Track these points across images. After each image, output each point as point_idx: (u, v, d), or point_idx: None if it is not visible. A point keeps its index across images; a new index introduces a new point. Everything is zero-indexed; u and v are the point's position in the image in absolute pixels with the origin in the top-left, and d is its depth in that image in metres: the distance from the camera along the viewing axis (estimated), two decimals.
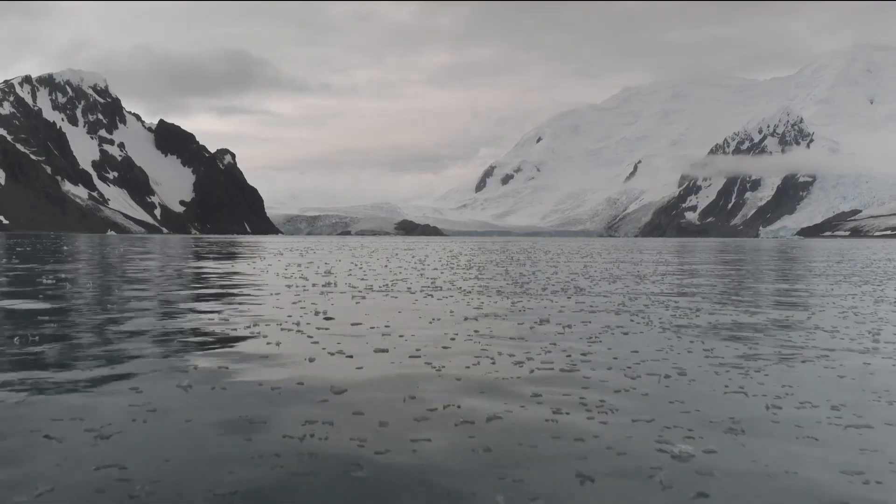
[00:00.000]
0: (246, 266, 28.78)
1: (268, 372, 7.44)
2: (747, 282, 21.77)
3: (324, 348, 8.82)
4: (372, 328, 10.87)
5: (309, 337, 9.73)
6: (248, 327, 10.77)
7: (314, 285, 18.74)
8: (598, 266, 30.97)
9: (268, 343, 9.26)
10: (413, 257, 36.33)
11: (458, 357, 8.36)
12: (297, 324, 11.19)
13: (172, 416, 5.71)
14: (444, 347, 9.01)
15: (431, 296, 15.86)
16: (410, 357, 8.30)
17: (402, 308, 13.54)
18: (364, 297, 15.39)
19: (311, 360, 8.05)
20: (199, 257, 38.62)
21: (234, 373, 7.41)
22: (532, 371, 7.57)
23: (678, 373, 7.58)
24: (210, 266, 28.86)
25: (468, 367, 7.71)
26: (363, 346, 8.98)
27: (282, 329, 10.68)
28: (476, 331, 10.43)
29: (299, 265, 26.77)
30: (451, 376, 7.26)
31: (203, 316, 12.07)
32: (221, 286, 18.56)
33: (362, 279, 21.10)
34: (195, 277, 21.99)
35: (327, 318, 11.87)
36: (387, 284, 18.99)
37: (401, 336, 9.88)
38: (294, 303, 14.28)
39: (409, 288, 17.90)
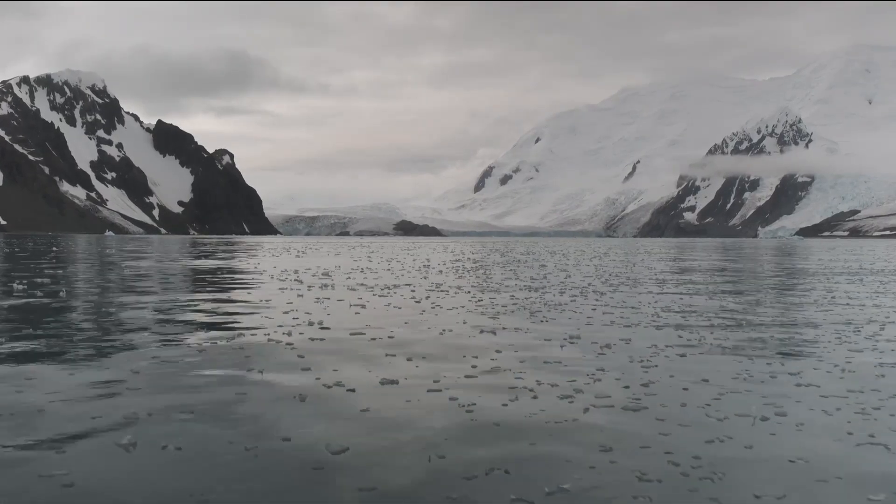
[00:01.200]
0: (238, 265, 27.24)
1: (239, 425, 5.56)
2: (788, 283, 20.25)
3: (318, 378, 7.18)
4: (374, 340, 9.36)
5: (300, 357, 8.17)
6: (229, 341, 9.22)
7: (310, 289, 17.22)
8: (609, 268, 29.45)
9: (248, 370, 7.58)
10: (415, 260, 34.76)
11: (488, 390, 6.74)
12: (289, 334, 9.66)
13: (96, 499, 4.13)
14: (468, 376, 7.37)
15: (439, 305, 14.32)
16: (429, 391, 6.66)
17: (407, 318, 12.00)
18: (364, 306, 13.88)
19: (302, 398, 6.35)
20: (190, 258, 37.05)
21: (189, 428, 5.41)
22: (587, 410, 5.97)
23: (777, 412, 5.97)
24: (200, 268, 27.27)
25: (505, 406, 6.11)
26: (366, 375, 7.37)
27: (269, 341, 9.16)
28: (498, 350, 8.88)
29: (296, 270, 25.24)
30: (488, 421, 5.64)
31: (178, 330, 10.47)
32: (208, 291, 17.00)
33: (362, 283, 19.59)
34: (182, 282, 20.42)
35: (323, 328, 10.33)
36: (388, 289, 17.45)
37: (409, 360, 8.23)
38: (286, 311, 12.75)
39: (414, 294, 16.40)
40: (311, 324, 10.94)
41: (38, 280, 19.45)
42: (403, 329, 10.62)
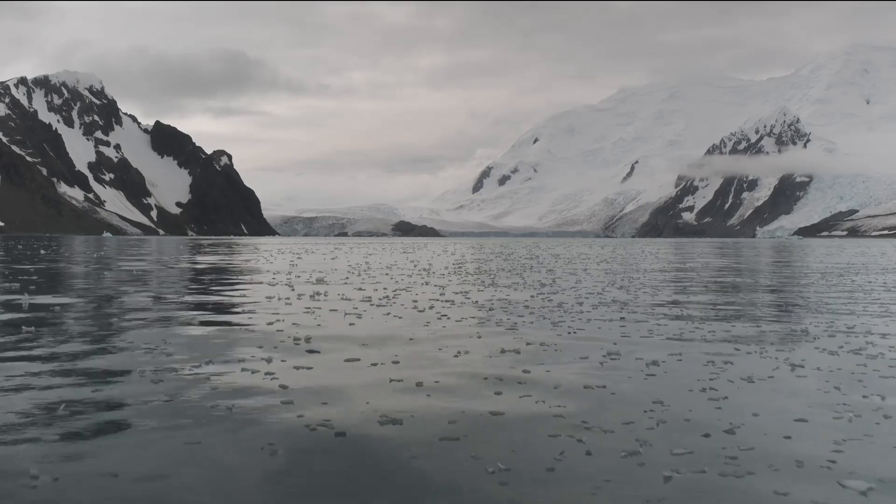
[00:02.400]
0: (228, 267, 25.75)
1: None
2: (825, 282, 18.78)
3: (300, 416, 5.59)
4: (373, 367, 7.78)
5: (271, 392, 6.57)
6: (192, 368, 7.63)
7: (300, 297, 15.73)
8: (621, 272, 27.98)
9: (211, 410, 6.00)
10: (415, 264, 33.25)
11: (524, 443, 5.14)
12: (268, 361, 8.06)
13: None
14: (494, 414, 5.81)
15: (446, 315, 12.73)
16: (443, 439, 5.22)
17: (412, 333, 10.43)
18: (360, 316, 12.38)
19: (273, 451, 4.87)
20: (179, 261, 35.57)
21: None
22: (668, 478, 4.43)
23: None
24: (187, 270, 25.81)
25: (551, 471, 4.55)
26: (366, 422, 5.69)
27: (242, 371, 7.54)
28: (527, 371, 7.36)
29: (288, 273, 23.77)
30: (528, 497, 4.16)
31: (139, 348, 8.88)
32: (188, 299, 15.53)
33: (359, 289, 18.07)
34: (161, 286, 18.89)
35: (310, 353, 8.80)
36: (388, 297, 15.92)
37: (415, 402, 6.58)
38: (270, 322, 11.20)
39: (416, 302, 14.94)
40: (297, 341, 9.51)
41: (7, 285, 18.01)
42: (408, 349, 9.12)
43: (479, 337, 9.95)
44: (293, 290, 17.56)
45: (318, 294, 16.34)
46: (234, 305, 14.25)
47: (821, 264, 37.15)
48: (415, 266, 30.47)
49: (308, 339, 9.61)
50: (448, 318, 12.22)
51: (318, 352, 8.85)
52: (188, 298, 15.92)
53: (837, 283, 22.28)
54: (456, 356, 8.52)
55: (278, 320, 11.64)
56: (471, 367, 7.79)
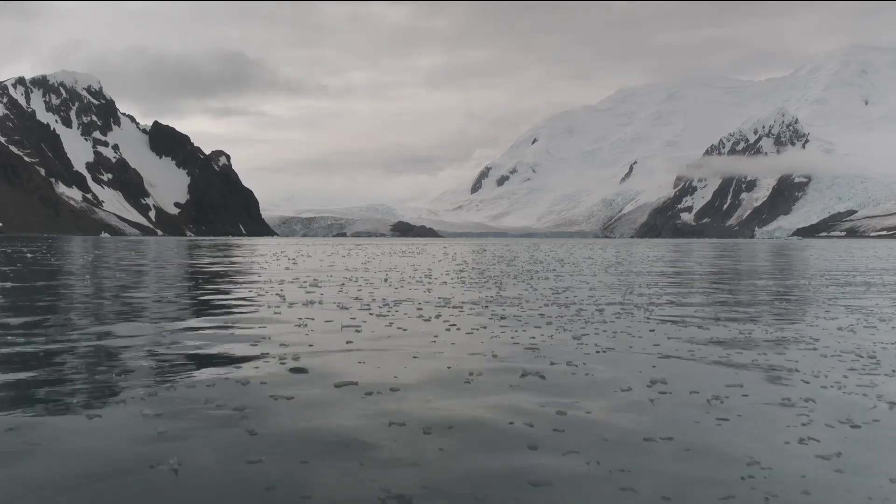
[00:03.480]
0: (218, 270, 24.59)
1: None
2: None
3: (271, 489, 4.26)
4: (370, 396, 6.44)
5: (251, 435, 5.24)
6: (163, 404, 6.16)
7: (291, 306, 14.27)
8: (634, 277, 26.80)
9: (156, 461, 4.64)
10: (415, 269, 32.08)
11: None
12: (244, 382, 6.70)
13: None
14: (539, 500, 4.26)
15: (455, 325, 11.46)
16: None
17: (416, 349, 9.10)
18: (359, 329, 11.03)
19: None
20: (168, 263, 34.36)
21: None
22: None
23: None
24: (171, 273, 24.62)
25: None
26: (366, 488, 4.36)
27: (205, 407, 6.09)
28: (562, 412, 5.95)
29: (281, 281, 22.45)
30: None
31: (87, 379, 7.47)
32: (163, 315, 14.16)
33: (356, 297, 16.65)
34: (138, 285, 17.66)
35: (297, 370, 7.56)
36: (388, 307, 14.36)
37: (427, 433, 5.33)
38: (255, 343, 9.65)
39: (421, 311, 13.54)
40: (282, 361, 8.21)
41: None
42: (412, 368, 7.86)
43: (495, 356, 8.74)
44: (284, 297, 16.09)
45: (312, 301, 15.04)
46: (216, 315, 12.91)
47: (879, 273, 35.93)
48: (415, 271, 29.34)
49: (297, 359, 8.31)
50: (457, 331, 10.89)
51: (307, 371, 7.59)
52: (171, 314, 14.53)
53: None
54: (468, 382, 7.19)
55: (266, 337, 10.22)
56: (489, 400, 6.42)
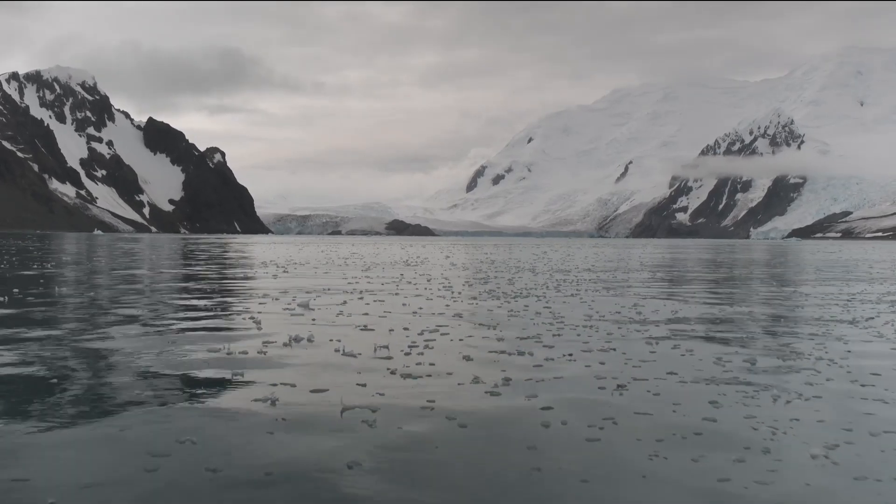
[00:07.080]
0: (192, 286, 23.23)
1: None
2: None
3: None
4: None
5: None
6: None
7: (263, 352, 10.25)
8: (653, 291, 25.35)
9: None
10: (415, 272, 31.29)
11: None
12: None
13: None
14: None
15: (469, 357, 9.88)
16: None
17: (432, 394, 7.62)
18: (360, 373, 8.91)
19: None
20: (154, 267, 33.47)
21: None
22: None
23: None
24: (149, 277, 23.38)
25: None
26: None
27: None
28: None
29: (267, 293, 19.65)
30: None
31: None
32: (123, 331, 11.79)
33: (363, 325, 13.16)
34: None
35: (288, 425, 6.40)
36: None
37: None
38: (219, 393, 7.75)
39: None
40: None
41: None
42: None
43: (564, 424, 7.03)
44: (261, 328, 12.70)
45: (300, 339, 11.16)
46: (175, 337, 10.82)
47: None
48: (415, 273, 28.47)
49: (284, 421, 6.76)
50: (473, 363, 9.15)
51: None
52: (132, 329, 12.19)
53: None
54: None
55: (236, 379, 8.43)
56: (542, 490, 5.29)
